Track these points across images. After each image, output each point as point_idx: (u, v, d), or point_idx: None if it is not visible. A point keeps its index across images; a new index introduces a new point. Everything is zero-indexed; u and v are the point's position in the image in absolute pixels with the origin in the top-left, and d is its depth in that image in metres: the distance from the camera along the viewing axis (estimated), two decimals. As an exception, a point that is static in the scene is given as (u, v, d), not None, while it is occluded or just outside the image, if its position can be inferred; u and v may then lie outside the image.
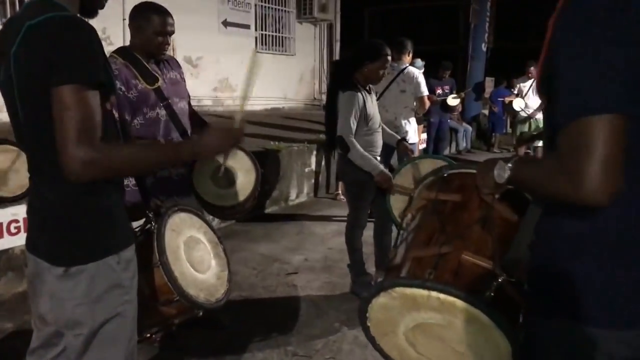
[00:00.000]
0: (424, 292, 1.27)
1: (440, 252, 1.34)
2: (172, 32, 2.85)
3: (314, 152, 7.30)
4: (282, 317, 3.62)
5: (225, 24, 9.98)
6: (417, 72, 5.73)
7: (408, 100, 5.63)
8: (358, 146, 3.58)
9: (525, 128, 8.99)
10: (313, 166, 7.33)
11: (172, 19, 2.85)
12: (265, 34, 11.10)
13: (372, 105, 3.78)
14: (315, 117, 9.98)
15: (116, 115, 1.72)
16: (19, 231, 3.78)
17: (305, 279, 4.36)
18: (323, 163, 7.47)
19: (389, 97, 5.48)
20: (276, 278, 4.36)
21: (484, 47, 13.36)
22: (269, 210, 6.48)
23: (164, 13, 2.81)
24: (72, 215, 1.56)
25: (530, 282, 1.28)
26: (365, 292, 1.43)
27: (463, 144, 11.93)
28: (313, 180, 7.35)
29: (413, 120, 5.79)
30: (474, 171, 1.52)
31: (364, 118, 3.67)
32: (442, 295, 1.25)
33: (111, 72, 1.63)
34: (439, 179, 1.64)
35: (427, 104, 5.88)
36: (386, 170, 3.57)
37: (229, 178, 3.05)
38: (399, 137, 4.08)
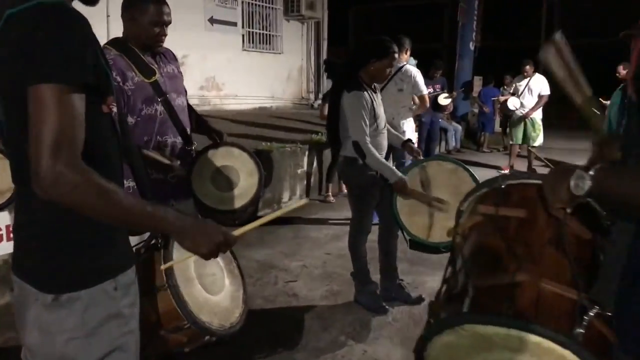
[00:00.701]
0: (501, 330, 1.07)
1: (515, 281, 1.13)
2: (169, 22, 2.61)
3: (306, 153, 7.09)
4: (286, 330, 3.41)
5: (212, 21, 9.74)
6: (415, 71, 5.56)
7: (406, 99, 5.46)
8: (375, 152, 3.38)
9: (520, 128, 8.84)
10: (305, 167, 7.11)
11: (169, 8, 2.61)
12: (253, 32, 10.85)
13: (378, 105, 3.58)
14: (304, 117, 9.79)
15: (115, 118, 1.49)
16: (0, 240, 3.52)
17: (305, 287, 4.14)
18: (315, 164, 7.27)
19: (386, 96, 5.25)
20: (275, 287, 4.14)
21: (472, 46, 13.30)
22: (261, 213, 6.22)
23: (159, 1, 2.56)
24: (62, 232, 1.33)
25: (624, 317, 1.08)
26: (424, 330, 1.21)
27: (452, 143, 11.81)
28: (305, 182, 7.14)
29: (410, 119, 5.63)
30: (536, 181, 1.32)
31: (371, 119, 3.47)
32: (524, 334, 1.05)
33: (109, 69, 1.40)
34: (495, 191, 1.41)
35: (428, 102, 5.71)
36: (404, 177, 3.36)
37: (231, 180, 2.83)
38: (405, 139, 3.90)
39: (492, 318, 1.09)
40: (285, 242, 5.26)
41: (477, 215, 1.40)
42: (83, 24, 1.26)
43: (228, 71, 9.99)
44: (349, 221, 5.87)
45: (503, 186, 1.39)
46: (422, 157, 3.72)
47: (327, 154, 7.15)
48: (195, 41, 9.01)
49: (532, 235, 1.25)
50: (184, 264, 1.72)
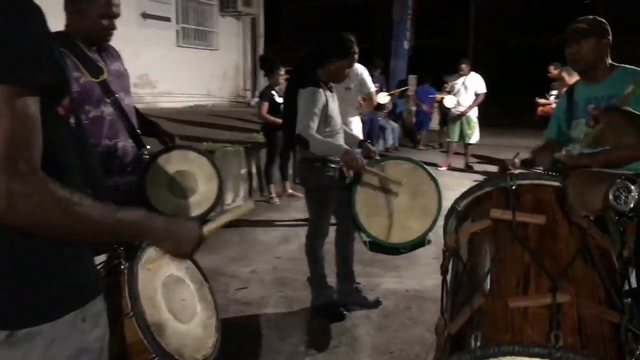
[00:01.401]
0: None
1: (555, 302, 1.01)
2: (119, 15, 2.40)
3: (248, 153, 6.89)
4: (241, 343, 3.22)
5: (145, 16, 9.33)
6: (362, 69, 5.48)
7: (353, 97, 5.37)
8: (316, 135, 3.23)
9: (457, 125, 9.00)
10: (247, 167, 6.91)
11: None
12: (187, 28, 10.49)
13: (334, 105, 3.46)
14: (242, 115, 9.57)
15: (72, 121, 1.30)
16: None
17: (257, 294, 3.97)
18: (256, 164, 7.08)
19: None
20: (225, 295, 3.94)
21: (406, 45, 13.45)
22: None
23: None
24: (19, 257, 1.11)
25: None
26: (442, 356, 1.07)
27: (390, 142, 11.88)
28: (248, 183, 6.93)
29: (357, 118, 5.54)
30: (551, 183, 1.22)
31: (326, 119, 3.34)
32: None
33: (65, 65, 1.21)
34: (503, 192, 1.25)
35: (375, 101, 5.66)
36: (351, 149, 3.27)
37: (189, 186, 2.63)
38: (361, 139, 3.80)
39: (538, 349, 0.96)
40: (231, 246, 5.05)
41: (484, 219, 1.24)
42: (38, 14, 1.07)
43: (162, 68, 9.61)
44: (296, 222, 5.78)
45: (514, 187, 1.23)
46: (378, 157, 3.64)
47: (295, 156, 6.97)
48: (127, 37, 8.47)
49: (557, 247, 1.13)
50: (151, 289, 1.53)
